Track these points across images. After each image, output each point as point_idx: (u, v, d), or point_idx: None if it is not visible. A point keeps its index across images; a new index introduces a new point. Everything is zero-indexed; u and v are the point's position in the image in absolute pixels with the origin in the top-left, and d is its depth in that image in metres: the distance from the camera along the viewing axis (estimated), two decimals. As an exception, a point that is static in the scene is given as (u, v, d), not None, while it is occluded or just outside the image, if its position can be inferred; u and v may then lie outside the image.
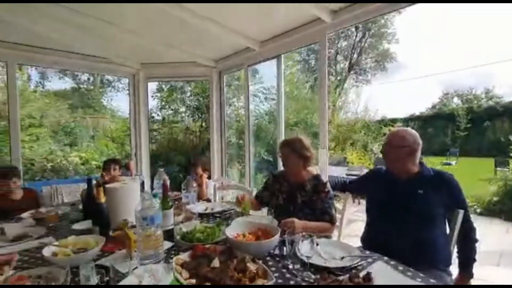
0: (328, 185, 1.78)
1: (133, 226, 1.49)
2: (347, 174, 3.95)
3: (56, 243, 1.25)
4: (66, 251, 1.17)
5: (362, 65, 17.52)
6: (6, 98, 3.43)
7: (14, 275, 1.00)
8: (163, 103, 6.47)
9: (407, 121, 16.34)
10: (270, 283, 0.94)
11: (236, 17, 2.77)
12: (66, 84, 9.53)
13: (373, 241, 1.52)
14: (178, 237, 1.36)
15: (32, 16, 2.65)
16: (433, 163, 11.36)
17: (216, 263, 1.03)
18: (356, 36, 16.11)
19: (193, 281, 0.96)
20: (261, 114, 6.57)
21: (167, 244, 1.31)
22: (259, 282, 0.94)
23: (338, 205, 2.01)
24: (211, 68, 4.16)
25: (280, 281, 1.01)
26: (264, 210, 1.97)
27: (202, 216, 1.79)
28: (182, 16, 2.57)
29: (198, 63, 4.04)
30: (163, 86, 6.39)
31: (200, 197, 2.40)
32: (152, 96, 6.15)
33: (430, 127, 15.74)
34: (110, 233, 1.45)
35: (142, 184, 4.12)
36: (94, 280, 0.92)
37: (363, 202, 2.09)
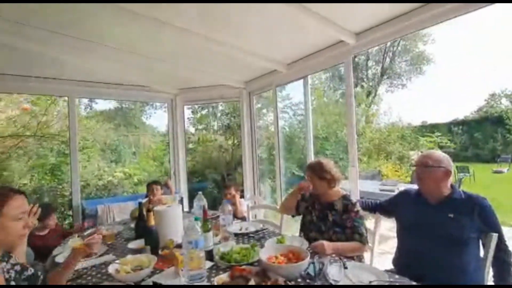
0: (358, 205, 1.84)
1: (178, 245, 1.69)
2: (380, 190, 3.85)
3: (118, 261, 1.48)
4: (126, 269, 1.38)
5: (396, 69, 16.82)
6: (68, 127, 3.98)
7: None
8: (197, 123, 6.92)
9: (449, 126, 15.23)
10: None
11: (263, 43, 2.97)
12: (110, 104, 10.53)
13: (403, 264, 1.54)
14: (217, 257, 1.52)
15: (85, 56, 3.08)
16: (483, 171, 10.44)
17: (252, 283, 1.17)
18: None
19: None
20: (291, 130, 6.68)
21: (208, 264, 1.48)
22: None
23: (369, 224, 2.03)
24: (241, 89, 4.41)
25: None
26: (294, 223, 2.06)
27: (237, 235, 1.95)
28: (211, 46, 2.82)
29: (229, 86, 4.31)
30: (196, 106, 6.85)
31: (235, 215, 2.56)
32: (188, 118, 6.64)
33: (476, 132, 14.45)
34: (160, 251, 1.67)
35: (181, 200, 4.44)
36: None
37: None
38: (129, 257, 1.53)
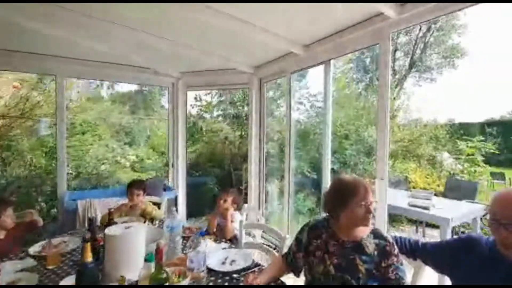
0: (394, 243, 1.26)
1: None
2: (410, 204, 3.06)
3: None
4: None
5: (426, 61, 15.46)
6: (55, 109, 3.56)
7: None
8: (202, 112, 6.41)
9: (483, 126, 13.86)
10: None
11: (277, 18, 2.36)
12: (132, 86, 10.37)
13: None
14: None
15: (77, 31, 2.65)
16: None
17: None
18: (419, 30, 14.21)
19: None
20: (306, 124, 6.01)
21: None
22: None
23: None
24: (250, 75, 3.83)
25: None
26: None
27: (216, 274, 1.41)
28: (218, 21, 2.26)
29: (237, 70, 3.74)
30: (201, 94, 6.32)
31: (223, 235, 2.02)
32: (191, 105, 6.11)
33: (513, 134, 13.01)
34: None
35: (175, 199, 3.98)
36: None
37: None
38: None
